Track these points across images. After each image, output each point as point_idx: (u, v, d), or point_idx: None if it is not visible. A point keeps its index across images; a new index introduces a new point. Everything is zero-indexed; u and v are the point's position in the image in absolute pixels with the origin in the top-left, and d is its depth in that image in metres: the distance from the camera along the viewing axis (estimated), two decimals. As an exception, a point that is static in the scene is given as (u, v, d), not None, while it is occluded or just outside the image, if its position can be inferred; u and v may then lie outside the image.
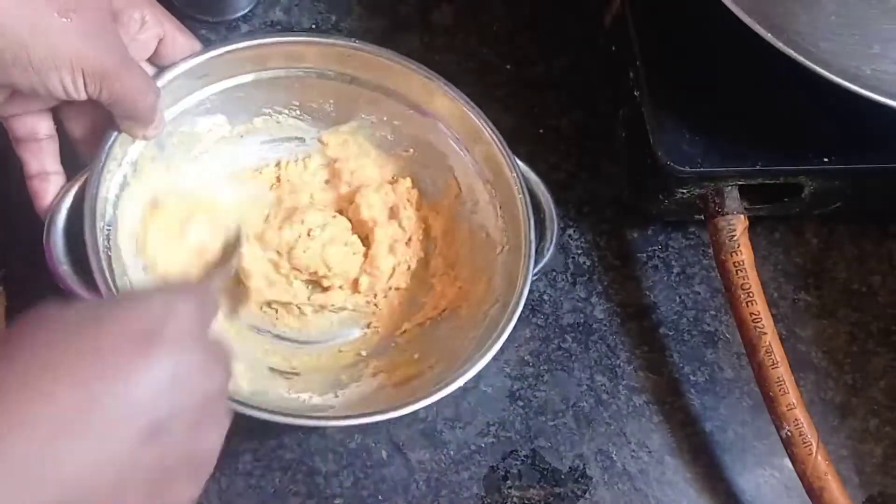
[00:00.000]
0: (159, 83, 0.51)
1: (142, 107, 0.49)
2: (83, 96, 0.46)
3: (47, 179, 0.50)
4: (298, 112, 0.59)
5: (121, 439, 0.33)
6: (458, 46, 0.67)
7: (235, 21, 0.65)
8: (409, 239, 0.59)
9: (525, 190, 0.55)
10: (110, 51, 0.46)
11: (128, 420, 0.33)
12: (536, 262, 0.54)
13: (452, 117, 0.57)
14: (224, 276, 0.54)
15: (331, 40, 0.57)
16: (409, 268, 0.59)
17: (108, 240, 0.51)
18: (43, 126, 0.50)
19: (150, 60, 0.52)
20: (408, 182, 0.60)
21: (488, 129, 0.56)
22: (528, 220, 0.54)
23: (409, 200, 0.59)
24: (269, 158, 0.60)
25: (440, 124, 0.58)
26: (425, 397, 0.49)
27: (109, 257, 0.50)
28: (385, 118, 0.59)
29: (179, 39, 0.52)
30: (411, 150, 0.60)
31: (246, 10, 0.65)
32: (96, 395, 0.32)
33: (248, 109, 0.58)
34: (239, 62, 0.55)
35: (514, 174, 0.55)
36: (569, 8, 0.69)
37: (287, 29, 0.66)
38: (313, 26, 0.66)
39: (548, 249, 0.55)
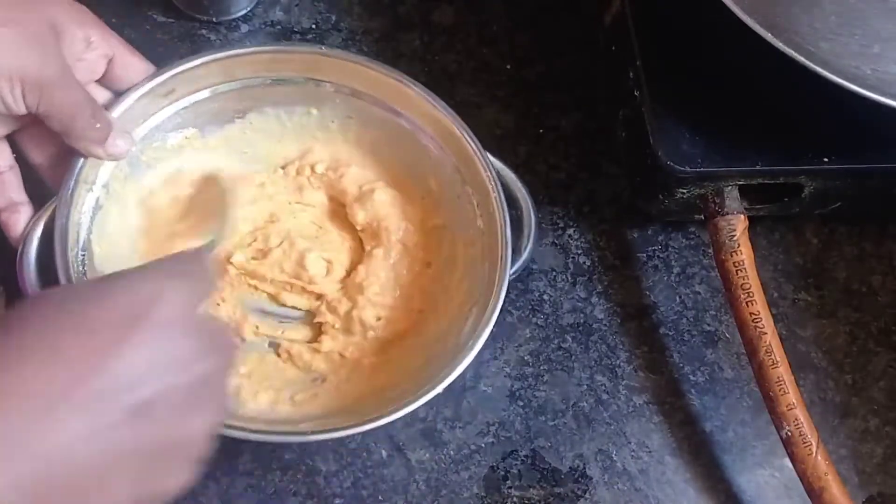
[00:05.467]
0: (125, 105, 0.51)
1: (80, 121, 0.48)
2: (22, 108, 0.46)
3: (17, 210, 0.50)
4: (274, 119, 0.58)
5: (104, 418, 0.33)
6: (458, 46, 0.67)
7: (235, 21, 0.65)
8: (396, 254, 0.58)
9: (500, 188, 0.54)
10: (49, 62, 0.46)
11: (110, 399, 0.34)
12: (514, 261, 0.53)
13: (426, 118, 0.57)
14: (216, 244, 0.52)
15: (295, 47, 0.56)
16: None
17: (84, 265, 0.50)
18: (0, 158, 0.50)
19: (103, 83, 0.51)
20: (385, 193, 0.58)
21: (461, 128, 0.55)
22: (504, 218, 0.53)
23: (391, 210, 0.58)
24: (246, 169, 0.59)
25: (416, 125, 0.57)
26: (398, 410, 0.48)
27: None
28: (362, 121, 0.58)
29: (131, 60, 0.51)
30: (388, 151, 0.59)
31: (246, 10, 0.65)
32: (80, 373, 0.33)
33: (220, 120, 0.57)
34: (204, 76, 0.55)
35: (488, 173, 0.54)
36: (569, 8, 0.69)
37: (287, 29, 0.66)
38: (313, 26, 0.66)
39: (525, 248, 0.54)
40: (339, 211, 0.60)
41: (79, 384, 0.33)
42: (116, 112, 0.51)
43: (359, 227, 0.58)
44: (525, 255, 0.54)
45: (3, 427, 0.32)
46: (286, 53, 0.56)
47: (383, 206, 0.58)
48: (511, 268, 0.52)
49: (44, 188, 0.51)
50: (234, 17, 0.65)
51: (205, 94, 0.56)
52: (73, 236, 0.50)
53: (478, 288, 0.53)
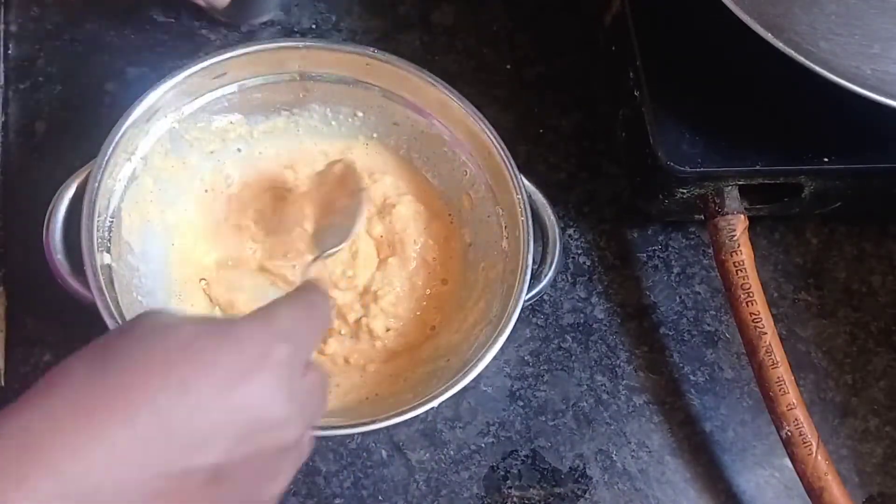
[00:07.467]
0: (175, 80, 0.52)
1: None
2: None
3: None
4: (319, 117, 0.59)
5: (183, 477, 0.32)
6: (458, 46, 0.67)
7: (236, 21, 0.65)
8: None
9: (528, 212, 0.54)
10: None
11: (195, 458, 0.32)
12: (532, 287, 0.53)
13: (466, 133, 0.57)
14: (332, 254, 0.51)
15: (349, 48, 0.56)
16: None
17: (109, 231, 0.51)
18: None
19: None
20: (409, 207, 0.59)
21: (499, 148, 0.55)
22: (529, 243, 0.53)
23: (413, 223, 0.58)
24: (287, 160, 0.59)
25: (457, 139, 0.58)
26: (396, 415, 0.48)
27: (109, 248, 0.50)
28: (405, 129, 0.59)
29: None
30: (426, 163, 0.60)
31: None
32: (172, 424, 0.32)
33: (267, 111, 0.58)
34: (256, 63, 0.55)
35: (519, 196, 0.54)
36: (569, 8, 0.69)
37: (287, 29, 0.66)
38: (313, 26, 0.66)
39: (545, 275, 0.54)
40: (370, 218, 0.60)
41: (168, 433, 0.32)
42: (166, 86, 0.52)
43: (374, 240, 0.58)
44: (543, 283, 0.54)
45: (87, 459, 0.30)
46: (338, 52, 0.56)
47: (402, 221, 0.58)
48: (527, 293, 0.52)
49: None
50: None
51: (255, 81, 0.56)
52: (103, 202, 0.50)
53: (492, 309, 0.53)
